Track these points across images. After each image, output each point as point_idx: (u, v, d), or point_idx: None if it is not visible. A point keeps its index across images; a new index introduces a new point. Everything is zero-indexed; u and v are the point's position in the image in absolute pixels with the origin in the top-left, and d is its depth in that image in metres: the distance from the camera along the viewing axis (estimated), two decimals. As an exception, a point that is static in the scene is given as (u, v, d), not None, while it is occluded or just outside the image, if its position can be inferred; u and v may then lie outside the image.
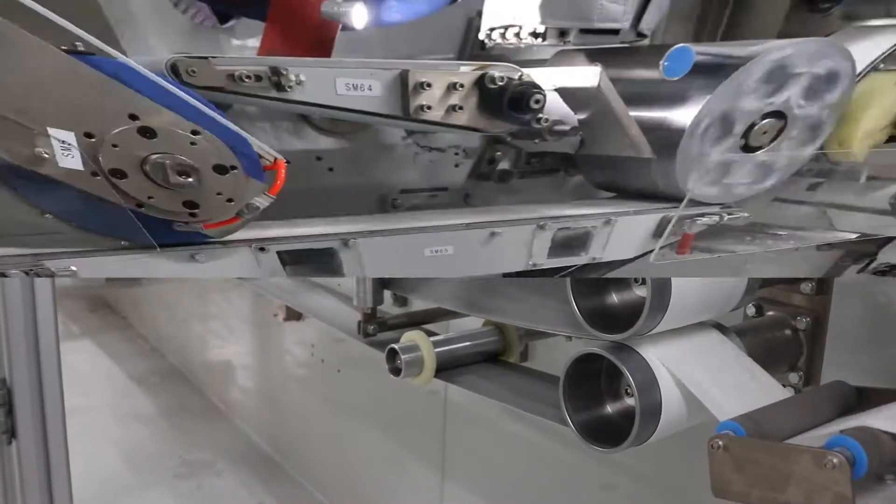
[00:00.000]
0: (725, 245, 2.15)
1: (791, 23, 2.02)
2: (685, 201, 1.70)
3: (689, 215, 1.75)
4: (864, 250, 3.69)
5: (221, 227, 1.35)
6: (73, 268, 1.28)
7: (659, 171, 1.74)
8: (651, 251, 1.74)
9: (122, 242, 1.32)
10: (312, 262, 1.46)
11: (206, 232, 1.34)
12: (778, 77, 1.59)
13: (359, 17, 1.34)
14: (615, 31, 1.44)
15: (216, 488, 3.67)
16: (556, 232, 1.60)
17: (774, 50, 1.49)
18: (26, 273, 1.26)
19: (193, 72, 1.25)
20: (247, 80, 1.27)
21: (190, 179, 1.23)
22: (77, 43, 1.16)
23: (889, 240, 3.49)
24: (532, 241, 1.59)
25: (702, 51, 1.37)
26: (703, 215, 1.77)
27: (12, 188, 1.26)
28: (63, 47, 1.14)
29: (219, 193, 1.28)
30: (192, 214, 1.29)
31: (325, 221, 1.58)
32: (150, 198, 1.26)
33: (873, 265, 3.94)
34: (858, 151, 1.91)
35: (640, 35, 1.49)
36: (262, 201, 1.31)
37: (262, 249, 1.40)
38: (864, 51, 1.74)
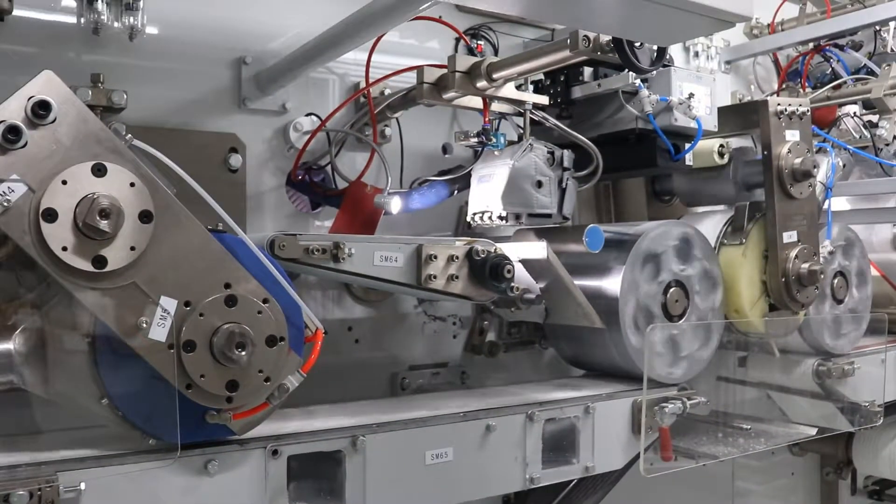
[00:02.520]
0: (703, 447, 2.61)
1: (651, 209, 2.91)
2: (645, 380, 2.12)
3: (654, 399, 2.15)
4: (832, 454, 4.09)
5: (248, 418, 1.54)
6: (82, 486, 1.39)
7: (611, 341, 2.25)
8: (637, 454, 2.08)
9: (150, 441, 1.50)
10: (318, 471, 1.66)
11: (232, 425, 1.52)
12: (683, 251, 2.28)
13: (396, 205, 2.09)
14: (549, 215, 2.15)
15: None
16: (544, 424, 1.96)
17: (652, 228, 2.26)
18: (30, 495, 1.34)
19: (283, 246, 1.71)
20: (316, 252, 1.76)
21: (244, 353, 1.44)
22: (219, 224, 1.55)
23: (851, 436, 3.89)
24: (525, 439, 1.93)
25: (607, 229, 2.09)
26: (666, 400, 2.17)
27: (95, 362, 1.43)
28: (209, 227, 1.52)
29: (260, 371, 1.50)
30: (229, 399, 1.48)
31: (339, 410, 1.88)
32: (201, 377, 1.45)
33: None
34: (755, 320, 2.52)
35: (565, 218, 2.21)
36: (293, 381, 1.53)
37: (275, 453, 1.58)
38: (708, 230, 2.49)
